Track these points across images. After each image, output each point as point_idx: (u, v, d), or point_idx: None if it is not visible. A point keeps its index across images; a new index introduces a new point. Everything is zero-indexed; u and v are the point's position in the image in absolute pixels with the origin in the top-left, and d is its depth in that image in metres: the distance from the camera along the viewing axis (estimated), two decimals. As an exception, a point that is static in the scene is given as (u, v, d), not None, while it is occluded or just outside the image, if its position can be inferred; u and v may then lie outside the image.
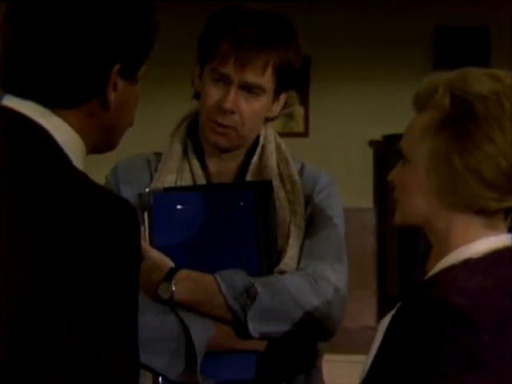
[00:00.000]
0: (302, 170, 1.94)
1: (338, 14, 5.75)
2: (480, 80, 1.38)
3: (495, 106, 1.36)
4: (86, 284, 1.11)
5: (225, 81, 1.82)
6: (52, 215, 1.13)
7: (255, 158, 1.91)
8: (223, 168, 1.92)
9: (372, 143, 5.79)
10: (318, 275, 1.80)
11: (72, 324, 1.10)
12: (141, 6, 1.27)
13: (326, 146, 5.76)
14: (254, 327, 1.76)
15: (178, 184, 1.89)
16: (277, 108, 1.91)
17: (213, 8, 1.91)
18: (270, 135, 1.94)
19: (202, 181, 1.89)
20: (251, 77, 1.80)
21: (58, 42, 1.21)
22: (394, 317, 1.37)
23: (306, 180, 1.93)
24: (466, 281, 1.32)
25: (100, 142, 1.30)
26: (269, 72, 1.82)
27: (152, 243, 1.82)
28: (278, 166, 1.91)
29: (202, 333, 1.76)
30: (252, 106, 1.83)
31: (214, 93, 1.83)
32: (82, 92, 1.24)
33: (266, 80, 1.82)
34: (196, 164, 1.90)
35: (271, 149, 1.92)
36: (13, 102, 1.24)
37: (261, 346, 1.80)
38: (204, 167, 1.91)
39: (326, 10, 5.70)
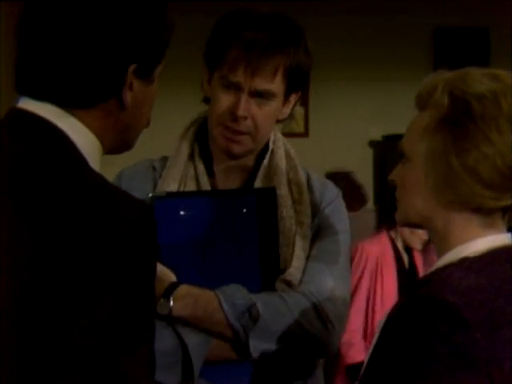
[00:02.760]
0: (308, 180, 1.92)
1: (338, 15, 5.76)
2: (479, 80, 1.38)
3: (492, 105, 1.36)
4: (104, 285, 1.10)
5: (235, 88, 1.79)
6: (69, 218, 1.12)
7: (265, 163, 1.88)
8: (231, 174, 1.89)
9: (372, 143, 5.81)
10: (320, 294, 1.79)
11: (90, 325, 1.09)
12: (155, 5, 1.27)
13: (326, 146, 5.77)
14: (254, 347, 1.74)
15: (182, 190, 1.85)
16: (287, 110, 1.89)
17: (218, 8, 1.88)
18: (278, 140, 1.92)
19: (206, 187, 1.86)
20: (261, 84, 1.78)
21: (73, 42, 1.20)
22: (389, 315, 1.38)
23: (313, 190, 1.90)
24: (460, 279, 1.32)
25: (116, 142, 1.30)
26: (279, 77, 1.79)
27: None
28: (288, 172, 1.89)
29: (200, 348, 1.73)
30: (264, 111, 1.81)
31: (224, 99, 1.80)
32: (98, 92, 1.23)
33: (276, 85, 1.80)
34: (202, 170, 1.87)
35: (281, 154, 1.90)
36: (29, 104, 1.24)
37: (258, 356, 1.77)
38: (210, 173, 1.88)
39: (326, 11, 5.71)
